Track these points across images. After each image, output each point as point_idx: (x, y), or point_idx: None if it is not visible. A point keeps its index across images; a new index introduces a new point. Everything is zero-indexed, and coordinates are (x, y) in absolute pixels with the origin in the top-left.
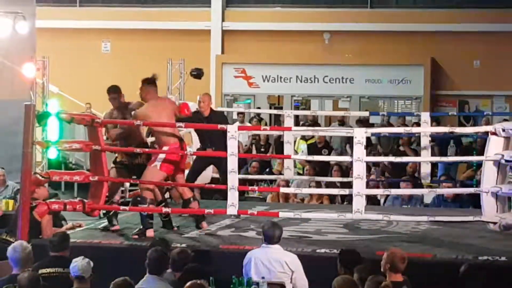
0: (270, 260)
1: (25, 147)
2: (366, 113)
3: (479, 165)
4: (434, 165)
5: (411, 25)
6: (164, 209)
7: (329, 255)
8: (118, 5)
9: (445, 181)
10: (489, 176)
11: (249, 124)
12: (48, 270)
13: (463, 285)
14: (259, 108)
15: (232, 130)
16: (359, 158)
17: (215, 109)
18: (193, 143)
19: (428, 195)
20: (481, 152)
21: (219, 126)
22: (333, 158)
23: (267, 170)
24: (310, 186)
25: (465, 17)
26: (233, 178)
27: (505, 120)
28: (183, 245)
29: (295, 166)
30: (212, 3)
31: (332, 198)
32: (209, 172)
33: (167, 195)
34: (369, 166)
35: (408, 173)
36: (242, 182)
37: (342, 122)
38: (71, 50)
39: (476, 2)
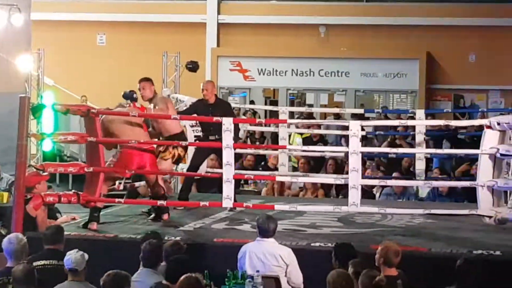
0: (265, 254)
1: (20, 140)
2: (361, 110)
3: (473, 159)
4: (429, 162)
5: (407, 19)
6: (159, 202)
7: (324, 249)
8: None
9: (439, 176)
10: (484, 170)
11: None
12: (43, 262)
13: (458, 278)
14: (252, 102)
15: (227, 122)
16: (355, 150)
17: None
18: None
19: (423, 190)
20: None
21: (215, 118)
22: (328, 149)
23: (263, 163)
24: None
25: (460, 11)
26: (228, 171)
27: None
28: (177, 238)
29: (290, 160)
30: None
31: (327, 192)
32: (204, 167)
33: None
34: (364, 161)
35: (404, 167)
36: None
37: (338, 117)
38: (66, 43)
39: None
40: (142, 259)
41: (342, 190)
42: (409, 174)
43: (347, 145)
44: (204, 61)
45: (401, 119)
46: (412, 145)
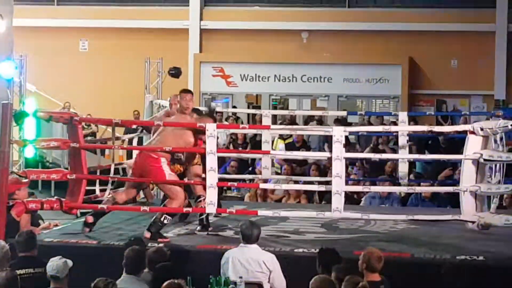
0: (248, 260)
1: (2, 146)
2: (344, 113)
3: (454, 164)
4: (412, 165)
5: (389, 25)
6: (142, 208)
7: (307, 255)
8: (96, 4)
9: (423, 181)
10: (468, 175)
11: (226, 123)
12: (19, 272)
13: (442, 284)
14: (234, 107)
15: (210, 128)
16: (338, 156)
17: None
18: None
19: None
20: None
21: (198, 124)
22: (311, 154)
23: (250, 169)
24: None
25: (443, 17)
26: (212, 177)
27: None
28: (160, 244)
29: (273, 165)
30: (190, 2)
31: (310, 198)
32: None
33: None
34: (347, 165)
35: (387, 172)
36: (220, 181)
37: (320, 121)
38: (48, 49)
39: (453, 2)
40: (124, 266)
41: (325, 195)
42: (392, 178)
43: (330, 150)
44: (186, 67)
45: (384, 123)
46: (395, 150)
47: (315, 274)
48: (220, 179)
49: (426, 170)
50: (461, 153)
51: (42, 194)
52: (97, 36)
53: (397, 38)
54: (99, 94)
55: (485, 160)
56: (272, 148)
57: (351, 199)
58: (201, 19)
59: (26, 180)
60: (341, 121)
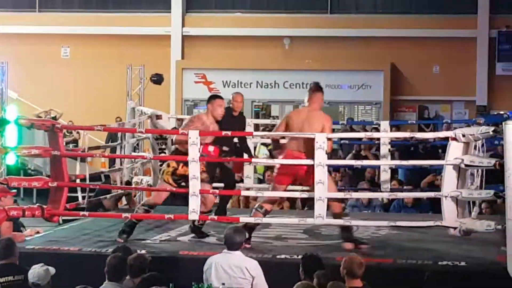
0: (231, 266)
1: None
2: None
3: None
4: (394, 173)
5: (371, 31)
6: (124, 215)
7: (290, 261)
8: (77, 11)
9: (405, 188)
10: (449, 181)
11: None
12: None
13: None
14: None
15: (193, 136)
16: (321, 163)
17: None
18: (151, 150)
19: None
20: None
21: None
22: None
23: None
24: None
25: (424, 23)
26: (194, 184)
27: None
28: (143, 251)
29: (255, 172)
30: (172, 8)
31: (292, 204)
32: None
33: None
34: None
35: (367, 178)
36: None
37: None
38: (30, 56)
39: (435, 8)
40: (106, 273)
41: (308, 202)
42: (374, 185)
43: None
44: (168, 74)
45: (366, 130)
46: (377, 156)
47: (298, 280)
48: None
49: (408, 177)
50: (441, 158)
51: (24, 201)
52: (79, 42)
53: (379, 44)
54: (81, 100)
55: (466, 165)
56: (254, 155)
57: None
58: (183, 25)
59: (14, 190)
60: None
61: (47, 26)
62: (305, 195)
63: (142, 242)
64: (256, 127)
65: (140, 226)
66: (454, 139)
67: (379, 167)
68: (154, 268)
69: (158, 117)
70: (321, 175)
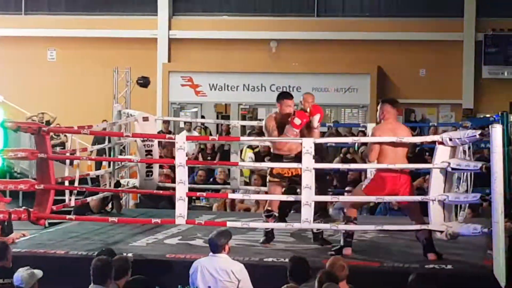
0: (217, 269)
1: None
2: None
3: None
4: None
5: (358, 34)
6: (111, 219)
7: (276, 264)
8: (64, 13)
9: None
10: (436, 185)
11: (195, 133)
12: None
13: None
14: (203, 117)
15: (180, 140)
16: (308, 167)
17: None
18: (138, 153)
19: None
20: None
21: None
22: (281, 165)
23: (211, 179)
24: None
25: (411, 26)
26: (181, 189)
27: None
28: (129, 254)
29: (241, 175)
30: (158, 12)
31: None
32: (156, 180)
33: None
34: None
35: (350, 180)
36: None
37: None
38: (16, 58)
39: (421, 12)
40: (92, 276)
41: (294, 205)
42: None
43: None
44: (155, 77)
45: (353, 133)
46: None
47: (284, 283)
48: (190, 189)
49: None
50: (428, 162)
51: (10, 205)
52: (65, 45)
53: (366, 47)
54: (68, 103)
55: (452, 169)
56: (241, 158)
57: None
58: (169, 28)
59: (9, 198)
60: None
61: (33, 29)
62: (291, 198)
63: (129, 245)
64: (243, 129)
65: (127, 228)
66: (441, 143)
67: (366, 170)
68: (141, 271)
69: (145, 119)
70: (308, 179)
